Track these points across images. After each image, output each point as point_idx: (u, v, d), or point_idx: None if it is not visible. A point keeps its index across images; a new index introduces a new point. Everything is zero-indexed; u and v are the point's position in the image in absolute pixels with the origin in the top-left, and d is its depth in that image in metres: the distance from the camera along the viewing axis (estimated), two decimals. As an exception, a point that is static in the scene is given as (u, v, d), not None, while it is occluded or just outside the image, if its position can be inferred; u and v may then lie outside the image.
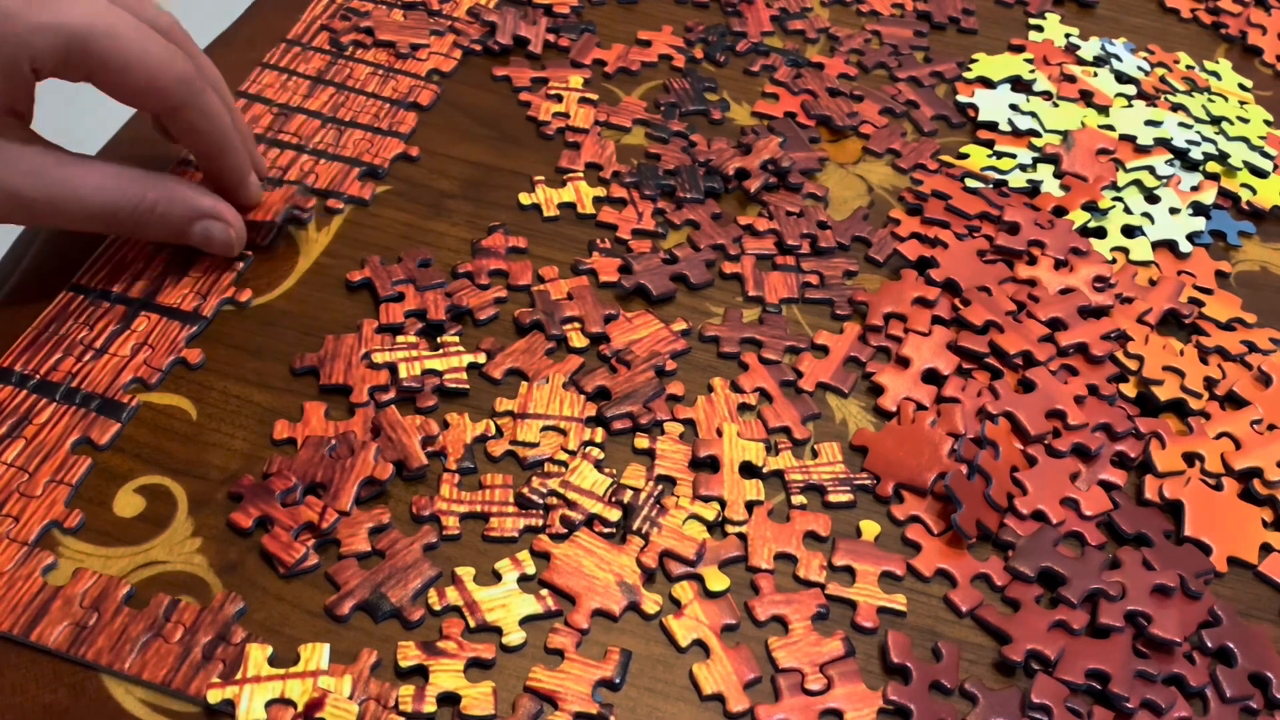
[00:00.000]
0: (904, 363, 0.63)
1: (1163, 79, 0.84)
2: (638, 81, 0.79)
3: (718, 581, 0.53)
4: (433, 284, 0.63)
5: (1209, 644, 0.52)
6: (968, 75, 0.83)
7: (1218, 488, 0.59)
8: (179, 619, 0.48)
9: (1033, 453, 0.59)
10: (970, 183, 0.73)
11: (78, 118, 1.11)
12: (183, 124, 0.56)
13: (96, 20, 0.51)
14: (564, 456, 0.56)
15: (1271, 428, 0.62)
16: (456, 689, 0.47)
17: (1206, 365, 0.64)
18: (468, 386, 0.58)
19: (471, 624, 0.50)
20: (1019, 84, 0.82)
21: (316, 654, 0.48)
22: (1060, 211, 0.72)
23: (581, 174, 0.71)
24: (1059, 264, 0.68)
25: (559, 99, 0.76)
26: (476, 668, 0.49)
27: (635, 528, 0.54)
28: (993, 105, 0.80)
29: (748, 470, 0.57)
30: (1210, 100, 0.82)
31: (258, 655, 0.47)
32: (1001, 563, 0.55)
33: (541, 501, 0.54)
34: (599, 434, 0.57)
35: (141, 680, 0.47)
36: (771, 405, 0.60)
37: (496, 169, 0.71)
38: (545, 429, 0.57)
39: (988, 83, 0.82)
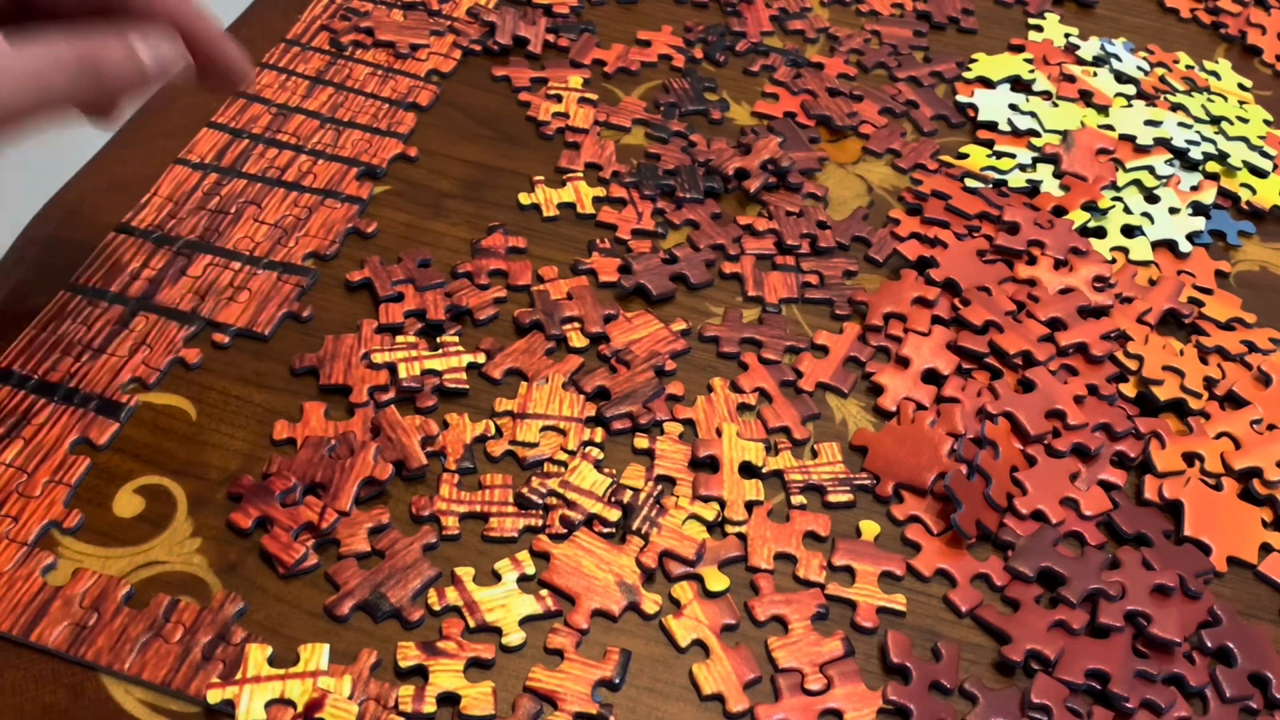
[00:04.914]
0: (904, 363, 0.62)
1: (1162, 79, 0.83)
2: (637, 81, 0.79)
3: (717, 581, 0.52)
4: (432, 284, 0.62)
5: (1209, 644, 0.52)
6: (967, 75, 0.83)
7: (1217, 488, 0.59)
8: (179, 619, 0.48)
9: (1032, 453, 0.59)
10: (970, 183, 0.73)
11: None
12: None
13: None
14: (563, 456, 0.56)
15: (1271, 428, 0.61)
16: (456, 689, 0.47)
17: (1206, 365, 0.64)
18: (467, 386, 0.58)
19: (471, 624, 0.50)
20: (1018, 84, 0.82)
21: (316, 654, 0.48)
22: (1060, 211, 0.72)
23: (581, 174, 0.71)
24: (1059, 264, 0.68)
25: (559, 99, 0.76)
26: (476, 668, 0.49)
27: (635, 528, 0.53)
28: (992, 105, 0.79)
29: (747, 470, 0.57)
30: (1210, 100, 0.82)
31: (257, 655, 0.47)
32: (1001, 563, 0.55)
33: (541, 501, 0.54)
34: (599, 434, 0.57)
35: (141, 680, 0.46)
36: (771, 405, 0.60)
37: (496, 169, 0.71)
38: (545, 429, 0.57)
39: (987, 83, 0.82)
